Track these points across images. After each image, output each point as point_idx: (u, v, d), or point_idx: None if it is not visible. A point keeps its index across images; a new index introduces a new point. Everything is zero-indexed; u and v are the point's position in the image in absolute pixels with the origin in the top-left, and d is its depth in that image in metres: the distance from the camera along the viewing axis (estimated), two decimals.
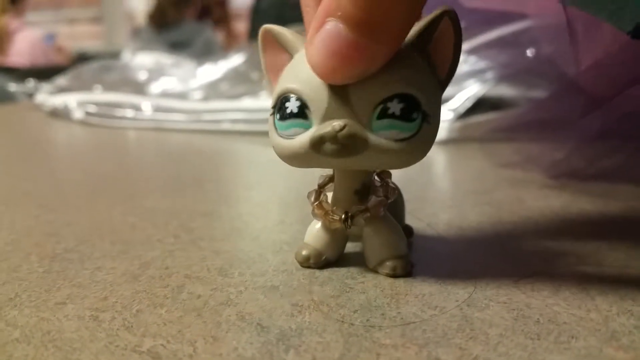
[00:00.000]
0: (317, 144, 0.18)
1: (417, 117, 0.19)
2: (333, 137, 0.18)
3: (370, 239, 0.22)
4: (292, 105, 0.19)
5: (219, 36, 2.48)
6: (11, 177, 0.42)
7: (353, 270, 0.22)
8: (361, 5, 0.17)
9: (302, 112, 0.19)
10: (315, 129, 0.19)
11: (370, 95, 0.18)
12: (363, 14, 0.17)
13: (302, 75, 0.19)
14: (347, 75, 0.18)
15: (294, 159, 0.20)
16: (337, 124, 0.18)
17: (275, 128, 0.20)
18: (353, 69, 0.18)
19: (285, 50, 0.21)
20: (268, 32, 0.21)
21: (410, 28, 0.18)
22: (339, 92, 0.18)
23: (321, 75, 0.18)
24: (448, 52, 0.20)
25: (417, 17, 0.19)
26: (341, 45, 0.17)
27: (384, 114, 0.18)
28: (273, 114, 0.20)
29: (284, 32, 0.21)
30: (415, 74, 0.19)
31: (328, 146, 0.18)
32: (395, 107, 0.18)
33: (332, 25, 0.17)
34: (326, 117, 0.19)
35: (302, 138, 0.19)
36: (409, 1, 0.17)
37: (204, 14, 2.46)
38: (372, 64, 0.18)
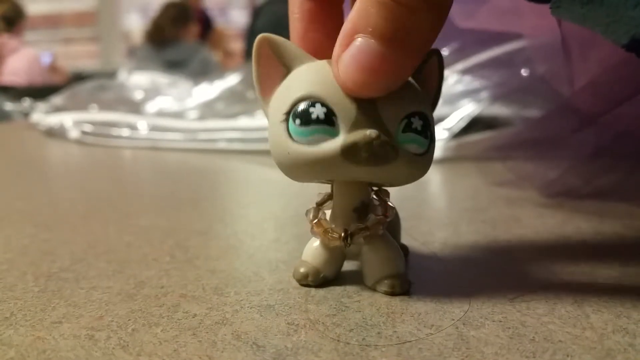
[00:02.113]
0: (351, 150, 0.18)
1: (428, 136, 0.20)
2: (369, 144, 0.18)
3: (369, 257, 0.22)
4: (319, 111, 0.19)
5: (215, 55, 2.50)
6: (7, 196, 0.42)
7: (349, 288, 0.22)
8: (392, 19, 0.18)
9: (329, 119, 0.19)
10: (347, 136, 0.19)
11: (398, 109, 0.19)
12: (394, 28, 0.18)
13: (323, 83, 0.19)
14: (377, 88, 0.18)
15: (313, 165, 0.19)
16: (371, 131, 0.18)
17: (289, 134, 0.19)
18: (384, 82, 0.18)
19: (284, 62, 0.21)
20: (265, 41, 0.20)
21: (434, 41, 0.19)
22: (367, 103, 0.19)
23: (351, 89, 0.19)
24: (433, 84, 0.22)
25: (439, 32, 0.19)
26: (373, 59, 0.18)
27: (408, 128, 0.19)
28: (287, 119, 0.19)
29: (287, 44, 0.21)
30: (423, 97, 0.21)
31: (362, 154, 0.18)
32: (417, 122, 0.19)
33: (363, 41, 0.18)
34: (355, 126, 0.19)
35: (331, 144, 0.19)
36: (434, 15, 0.18)
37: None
38: (400, 76, 0.19)
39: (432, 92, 0.22)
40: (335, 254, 0.22)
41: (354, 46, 0.18)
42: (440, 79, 0.22)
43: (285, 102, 0.20)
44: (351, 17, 0.18)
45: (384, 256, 0.22)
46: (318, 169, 0.19)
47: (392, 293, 0.21)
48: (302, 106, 0.19)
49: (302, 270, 0.22)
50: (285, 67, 0.21)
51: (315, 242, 0.23)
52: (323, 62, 0.20)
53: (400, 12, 0.17)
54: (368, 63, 0.18)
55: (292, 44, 0.21)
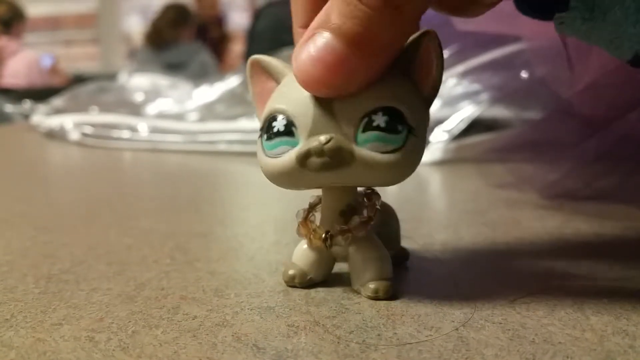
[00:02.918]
0: (304, 158, 0.19)
1: (402, 130, 0.19)
2: (319, 151, 0.18)
3: (354, 260, 0.22)
4: (279, 124, 0.20)
5: (214, 57, 2.50)
6: (7, 199, 0.42)
7: (349, 290, 0.22)
8: (350, 17, 0.18)
9: (289, 130, 0.19)
10: (302, 145, 0.19)
11: (355, 109, 0.19)
12: (351, 26, 0.18)
13: (289, 94, 0.20)
14: (330, 85, 0.18)
15: (281, 177, 0.20)
16: (322, 137, 0.19)
17: (263, 149, 0.20)
18: (336, 79, 0.18)
19: (273, 78, 0.22)
20: (256, 62, 0.22)
21: (397, 49, 0.19)
22: (325, 107, 0.19)
23: (305, 84, 0.19)
24: (430, 71, 0.20)
25: (407, 38, 0.19)
26: (326, 53, 0.18)
27: (369, 127, 0.19)
28: (261, 135, 0.20)
29: (272, 61, 0.22)
30: (398, 90, 0.19)
31: (314, 160, 0.19)
32: (379, 119, 0.19)
33: (320, 36, 0.18)
34: (312, 132, 0.19)
35: (289, 155, 0.19)
36: (397, 18, 0.18)
37: (200, 34, 2.49)
38: (355, 78, 0.18)
39: (430, 79, 0.20)
40: (323, 257, 0.22)
41: (311, 40, 0.18)
42: (438, 63, 0.20)
43: (261, 119, 0.21)
44: (317, 16, 0.19)
45: (368, 259, 0.21)
46: (286, 180, 0.20)
47: (375, 297, 0.21)
48: (268, 121, 0.20)
49: (290, 272, 0.22)
50: (275, 83, 0.22)
51: (304, 245, 0.23)
52: None
53: (360, 11, 0.17)
54: (321, 56, 0.18)
55: (277, 60, 0.22)
